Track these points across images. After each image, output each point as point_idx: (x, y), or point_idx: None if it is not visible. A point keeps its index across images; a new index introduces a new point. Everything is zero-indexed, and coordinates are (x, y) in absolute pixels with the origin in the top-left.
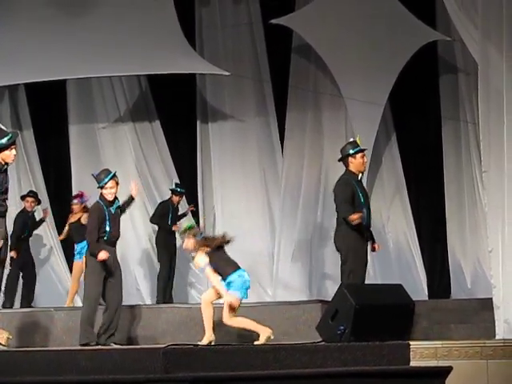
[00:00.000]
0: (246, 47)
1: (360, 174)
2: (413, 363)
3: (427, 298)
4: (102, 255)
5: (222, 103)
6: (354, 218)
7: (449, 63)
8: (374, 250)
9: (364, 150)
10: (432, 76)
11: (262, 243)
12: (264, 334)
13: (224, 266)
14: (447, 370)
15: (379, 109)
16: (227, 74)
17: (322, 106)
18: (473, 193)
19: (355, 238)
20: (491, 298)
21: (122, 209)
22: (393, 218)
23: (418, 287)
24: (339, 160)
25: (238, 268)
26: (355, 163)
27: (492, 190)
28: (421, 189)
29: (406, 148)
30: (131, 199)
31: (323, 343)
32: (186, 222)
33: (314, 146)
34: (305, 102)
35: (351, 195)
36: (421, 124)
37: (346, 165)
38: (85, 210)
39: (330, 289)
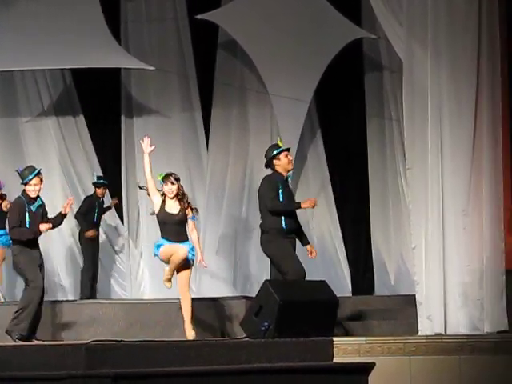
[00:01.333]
0: (171, 42)
1: (287, 173)
2: (336, 359)
3: (351, 295)
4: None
5: (146, 98)
6: (306, 205)
7: (374, 61)
8: (308, 252)
9: (286, 149)
10: (357, 73)
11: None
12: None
13: None
14: (370, 366)
15: (304, 106)
16: (152, 68)
17: (247, 103)
18: (397, 190)
19: (281, 240)
20: (414, 295)
21: (54, 224)
22: (317, 215)
23: (341, 283)
24: (266, 165)
25: None
26: (281, 164)
27: (416, 187)
28: (345, 186)
29: (330, 145)
30: (62, 216)
31: (247, 339)
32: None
33: (240, 142)
34: (230, 98)
35: (277, 191)
36: (346, 121)
37: (273, 168)
38: (3, 197)
39: (255, 285)
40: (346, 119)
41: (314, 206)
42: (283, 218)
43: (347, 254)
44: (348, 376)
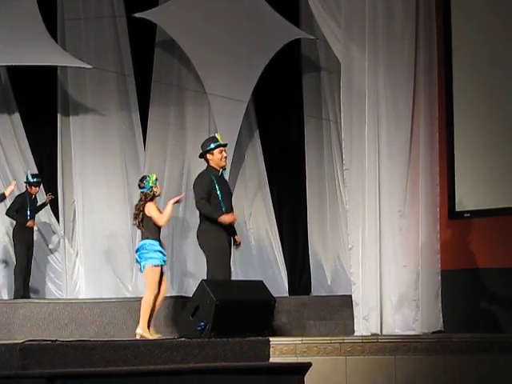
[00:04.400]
0: (109, 40)
1: (221, 170)
2: (272, 359)
3: (288, 295)
4: None
5: (83, 96)
6: (224, 219)
7: (312, 61)
8: (236, 242)
9: (223, 145)
10: (295, 74)
11: (122, 239)
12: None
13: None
14: (306, 366)
15: (242, 105)
16: (89, 67)
17: (185, 102)
18: (334, 190)
19: (217, 234)
20: (351, 295)
21: None
22: (255, 215)
23: (278, 284)
24: (200, 156)
25: None
26: (214, 159)
27: (353, 187)
28: (283, 186)
29: (268, 145)
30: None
31: (183, 339)
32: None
33: (177, 141)
34: (168, 96)
35: (208, 191)
36: (284, 121)
37: (207, 161)
38: None
39: (191, 285)
40: (284, 119)
41: (232, 222)
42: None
43: (284, 255)
44: (284, 376)
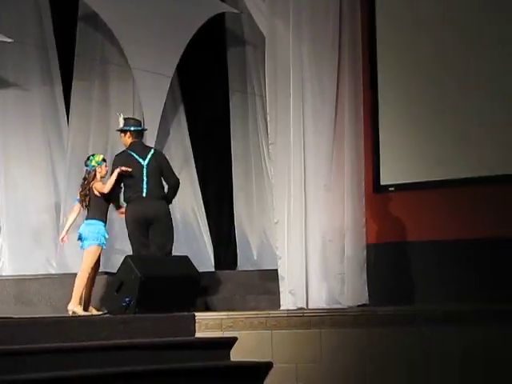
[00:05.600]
0: (30, 13)
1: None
2: (198, 334)
3: (214, 270)
4: None
5: (4, 71)
6: (120, 214)
7: (237, 36)
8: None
9: (125, 130)
10: (220, 48)
11: (46, 215)
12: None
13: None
14: (232, 341)
15: (167, 80)
16: (10, 40)
17: (109, 76)
18: (260, 165)
19: (132, 211)
20: (277, 270)
21: None
22: (180, 190)
23: (204, 258)
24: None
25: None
26: (123, 141)
27: (278, 162)
28: (208, 160)
29: (193, 120)
30: None
31: (108, 315)
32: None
33: (101, 117)
34: (92, 71)
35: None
36: (208, 96)
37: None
38: None
39: (116, 261)
40: (209, 94)
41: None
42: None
43: (210, 229)
44: (210, 350)
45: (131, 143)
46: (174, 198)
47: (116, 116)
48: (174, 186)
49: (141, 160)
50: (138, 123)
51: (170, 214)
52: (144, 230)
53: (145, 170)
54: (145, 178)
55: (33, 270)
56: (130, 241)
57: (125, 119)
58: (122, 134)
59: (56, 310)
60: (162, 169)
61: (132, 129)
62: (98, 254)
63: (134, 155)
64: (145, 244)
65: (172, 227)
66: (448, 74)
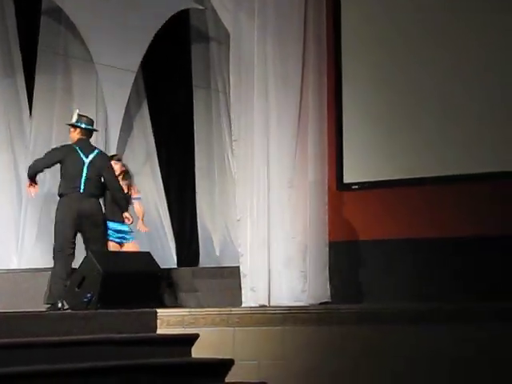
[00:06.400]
0: None
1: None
2: (160, 331)
3: (176, 266)
4: None
5: None
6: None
7: (201, 32)
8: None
9: (74, 126)
10: (184, 44)
11: (8, 209)
12: None
13: None
14: (194, 338)
15: (131, 75)
16: None
17: (72, 70)
18: (223, 161)
19: (67, 204)
20: (238, 267)
21: None
22: (143, 185)
23: (166, 255)
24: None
25: None
26: (71, 136)
27: (241, 158)
28: (171, 156)
29: (157, 115)
30: None
31: (69, 311)
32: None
33: (64, 110)
34: (55, 65)
35: (55, 161)
36: (172, 92)
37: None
38: None
39: (78, 256)
40: (173, 90)
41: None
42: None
43: (172, 225)
44: (171, 347)
45: (78, 139)
46: (125, 203)
47: (81, 109)
48: (116, 189)
49: (83, 157)
50: (90, 122)
51: (103, 213)
52: (74, 225)
53: (85, 167)
54: (84, 175)
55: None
56: (57, 232)
57: (79, 115)
58: (72, 129)
59: (17, 305)
60: (102, 171)
61: (83, 126)
62: None
63: (78, 151)
64: (70, 239)
65: (106, 223)
66: (415, 70)
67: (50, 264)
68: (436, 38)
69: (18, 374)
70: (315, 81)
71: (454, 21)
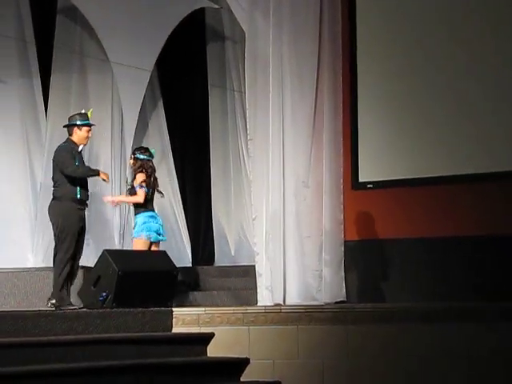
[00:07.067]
0: (9, 6)
1: (81, 146)
2: (175, 330)
3: (191, 265)
4: None
5: None
6: (103, 175)
7: (217, 31)
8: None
9: (91, 125)
10: (199, 43)
11: (23, 209)
12: None
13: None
14: (209, 337)
15: (146, 74)
16: None
17: (87, 69)
18: (238, 160)
19: (68, 208)
20: (254, 266)
21: None
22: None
23: (182, 254)
24: (64, 126)
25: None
26: (79, 135)
27: (257, 158)
28: (186, 155)
29: (172, 114)
30: None
31: (84, 309)
32: None
33: (79, 109)
34: (70, 64)
35: (74, 159)
36: (188, 91)
37: (70, 133)
38: None
39: (94, 255)
40: (188, 89)
41: (106, 180)
42: (78, 188)
43: (188, 225)
44: (187, 346)
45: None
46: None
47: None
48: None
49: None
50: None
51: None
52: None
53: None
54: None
55: (9, 264)
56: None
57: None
58: (87, 128)
59: (32, 304)
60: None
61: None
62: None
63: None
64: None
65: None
66: (430, 68)
67: None
68: (451, 36)
69: (34, 372)
70: (330, 80)
71: (469, 17)
